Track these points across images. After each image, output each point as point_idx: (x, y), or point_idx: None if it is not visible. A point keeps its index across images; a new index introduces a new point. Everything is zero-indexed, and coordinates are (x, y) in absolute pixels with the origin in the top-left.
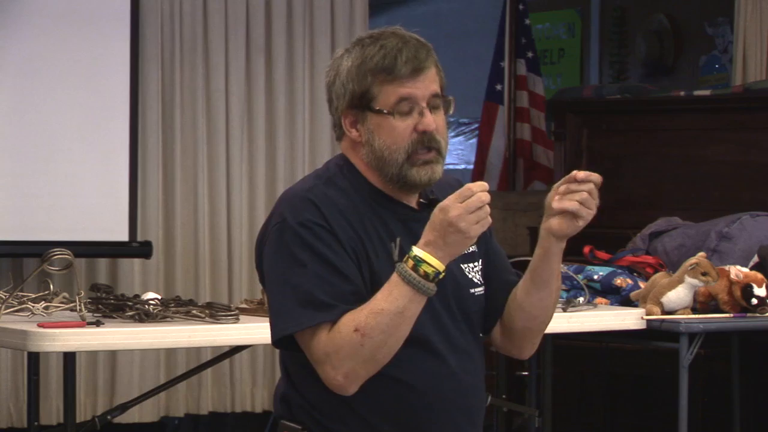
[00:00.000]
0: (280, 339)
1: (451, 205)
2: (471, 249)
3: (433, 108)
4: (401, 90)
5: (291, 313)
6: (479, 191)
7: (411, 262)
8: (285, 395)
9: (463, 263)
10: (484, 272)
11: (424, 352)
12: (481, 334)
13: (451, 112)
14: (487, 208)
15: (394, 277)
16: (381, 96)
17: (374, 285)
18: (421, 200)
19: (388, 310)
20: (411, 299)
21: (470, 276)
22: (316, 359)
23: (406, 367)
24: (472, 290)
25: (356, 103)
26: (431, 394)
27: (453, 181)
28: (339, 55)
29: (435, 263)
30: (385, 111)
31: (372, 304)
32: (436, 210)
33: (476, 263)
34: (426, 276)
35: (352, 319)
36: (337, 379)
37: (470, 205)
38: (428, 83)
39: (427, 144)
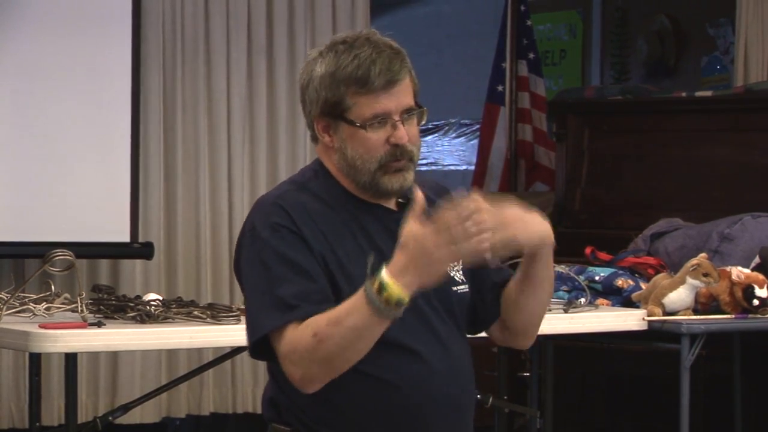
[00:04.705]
0: (256, 345)
1: (429, 233)
2: None
3: (406, 120)
4: (375, 105)
5: (261, 318)
6: (462, 220)
7: (377, 284)
8: (273, 399)
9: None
10: (473, 272)
11: (411, 352)
12: (475, 333)
13: (423, 122)
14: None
15: (360, 293)
16: (354, 108)
17: (352, 289)
18: (399, 200)
19: (347, 325)
20: (371, 319)
21: (451, 274)
22: (280, 357)
23: (394, 368)
24: (455, 288)
25: (329, 111)
26: (420, 394)
27: (431, 182)
28: (312, 58)
29: (398, 291)
30: (358, 123)
31: (334, 312)
32: (408, 236)
33: (456, 262)
34: (387, 302)
35: (313, 322)
36: (295, 377)
37: (453, 235)
38: (401, 96)
39: (399, 156)
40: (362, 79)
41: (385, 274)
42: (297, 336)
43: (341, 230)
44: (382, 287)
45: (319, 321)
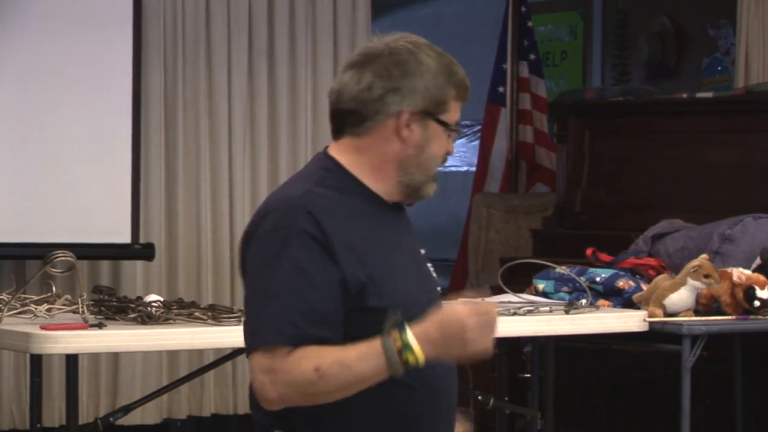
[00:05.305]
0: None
1: (469, 315)
2: (423, 251)
3: None
4: (457, 114)
5: (264, 326)
6: (495, 313)
7: (399, 344)
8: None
9: (429, 263)
10: None
11: None
12: None
13: None
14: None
15: (377, 344)
16: (451, 111)
17: (369, 285)
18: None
19: (355, 371)
20: (380, 372)
21: (434, 275)
22: (259, 368)
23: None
24: (438, 288)
25: (427, 107)
26: (428, 393)
27: None
28: (410, 48)
29: (420, 357)
30: (452, 127)
31: (343, 353)
32: (451, 314)
33: (430, 264)
34: (406, 362)
35: (317, 356)
36: (268, 394)
37: (487, 322)
38: None
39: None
40: (464, 86)
41: (411, 337)
42: (293, 362)
43: (360, 227)
44: (405, 347)
45: (323, 357)
